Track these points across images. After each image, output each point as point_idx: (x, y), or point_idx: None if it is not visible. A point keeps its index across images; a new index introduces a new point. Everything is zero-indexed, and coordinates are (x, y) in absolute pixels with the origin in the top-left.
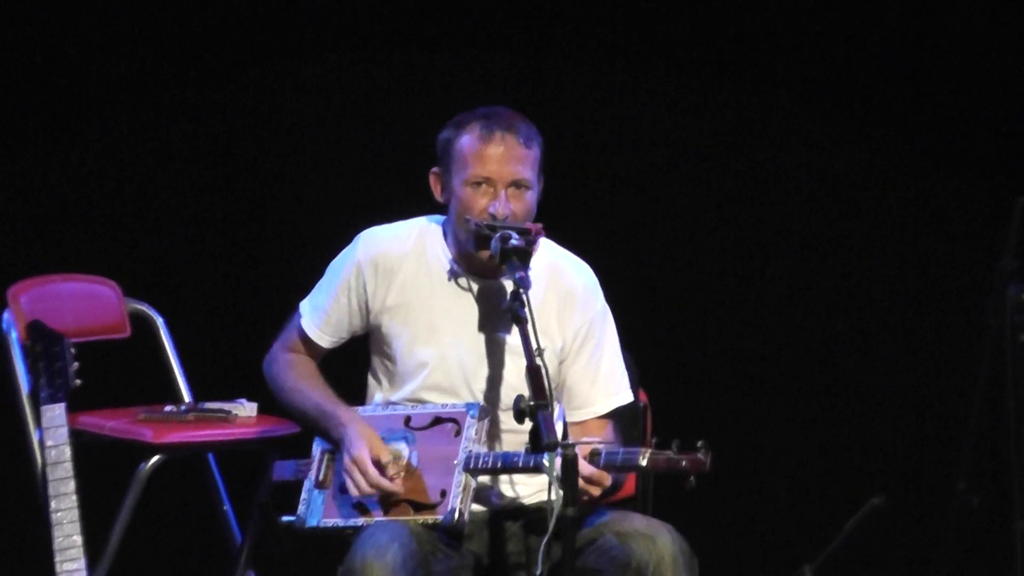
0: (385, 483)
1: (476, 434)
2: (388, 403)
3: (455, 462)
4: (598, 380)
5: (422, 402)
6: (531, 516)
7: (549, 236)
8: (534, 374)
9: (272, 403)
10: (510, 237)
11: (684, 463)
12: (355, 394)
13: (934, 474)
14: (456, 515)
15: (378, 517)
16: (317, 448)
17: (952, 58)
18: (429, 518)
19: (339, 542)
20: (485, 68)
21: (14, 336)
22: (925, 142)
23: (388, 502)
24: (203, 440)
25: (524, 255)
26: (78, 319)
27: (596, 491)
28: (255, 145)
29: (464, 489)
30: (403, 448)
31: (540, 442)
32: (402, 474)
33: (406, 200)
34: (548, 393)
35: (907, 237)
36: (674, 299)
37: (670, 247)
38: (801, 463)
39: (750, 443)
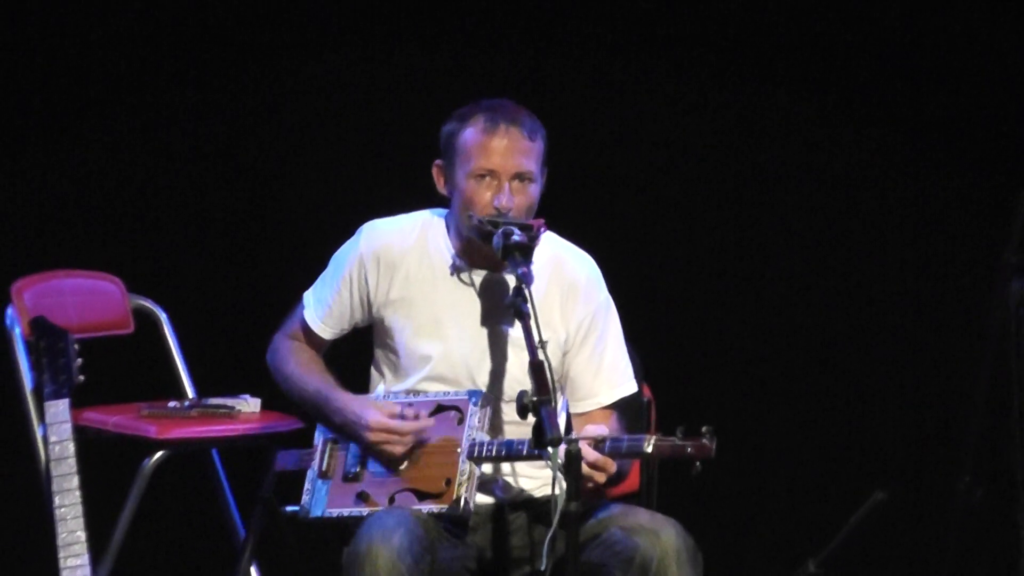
0: (415, 424)
1: (479, 422)
2: (389, 393)
3: (459, 450)
4: (602, 371)
5: (424, 392)
6: (536, 509)
7: (552, 229)
8: (537, 370)
9: (275, 398)
10: (512, 233)
11: (689, 449)
12: (358, 386)
13: (937, 469)
14: (462, 503)
15: (382, 506)
16: (319, 438)
17: (953, 53)
18: (434, 507)
19: (343, 532)
20: (487, 62)
21: (17, 332)
22: (929, 136)
23: (392, 491)
24: (206, 436)
25: (526, 251)
26: (81, 315)
27: (601, 477)
28: (257, 141)
29: (468, 477)
30: None
31: (543, 437)
32: (421, 414)
33: (408, 193)
34: (551, 388)
35: (910, 232)
36: (678, 294)
37: (674, 241)
38: (805, 458)
39: (754, 438)
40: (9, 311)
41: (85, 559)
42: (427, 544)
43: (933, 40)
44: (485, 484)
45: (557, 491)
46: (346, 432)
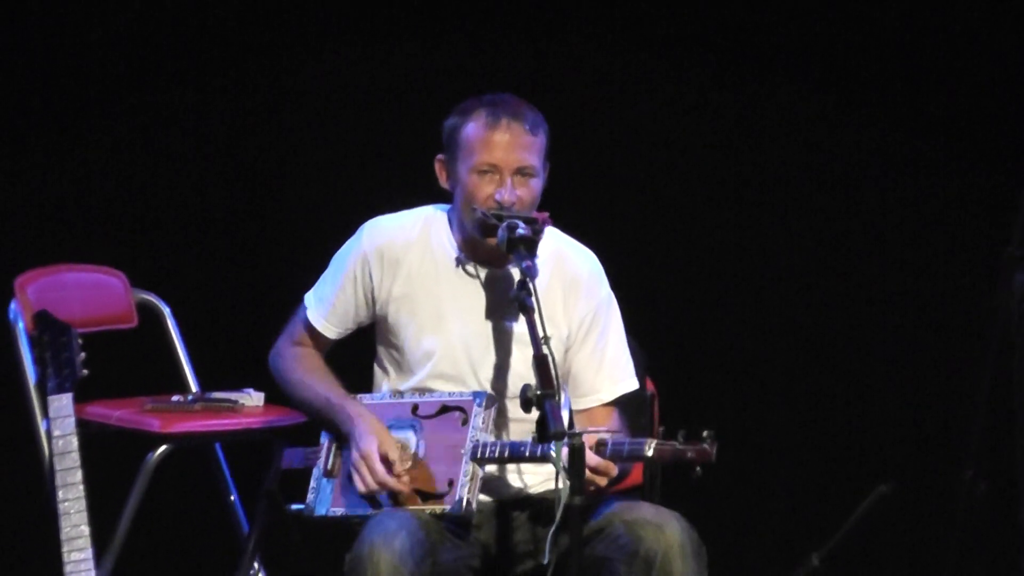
0: (391, 481)
1: (483, 423)
2: (395, 392)
3: (462, 451)
4: (603, 367)
5: (429, 391)
6: (539, 506)
7: (555, 224)
8: (541, 363)
9: (279, 392)
10: (516, 226)
11: (690, 454)
12: (361, 384)
13: (941, 462)
14: (464, 504)
15: (386, 506)
16: (326, 436)
17: (954, 47)
18: (437, 507)
19: (347, 531)
20: (489, 57)
21: (21, 326)
22: (934, 129)
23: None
24: (210, 430)
25: (531, 244)
26: (85, 309)
27: (602, 481)
28: (260, 136)
29: (472, 478)
30: (410, 437)
31: (547, 431)
32: (408, 464)
33: (411, 189)
34: (555, 382)
35: (913, 227)
36: (681, 288)
37: (676, 235)
38: (808, 452)
39: (758, 432)
40: (12, 305)
41: (89, 553)
42: (428, 547)
43: (934, 35)
44: (488, 481)
45: (560, 486)
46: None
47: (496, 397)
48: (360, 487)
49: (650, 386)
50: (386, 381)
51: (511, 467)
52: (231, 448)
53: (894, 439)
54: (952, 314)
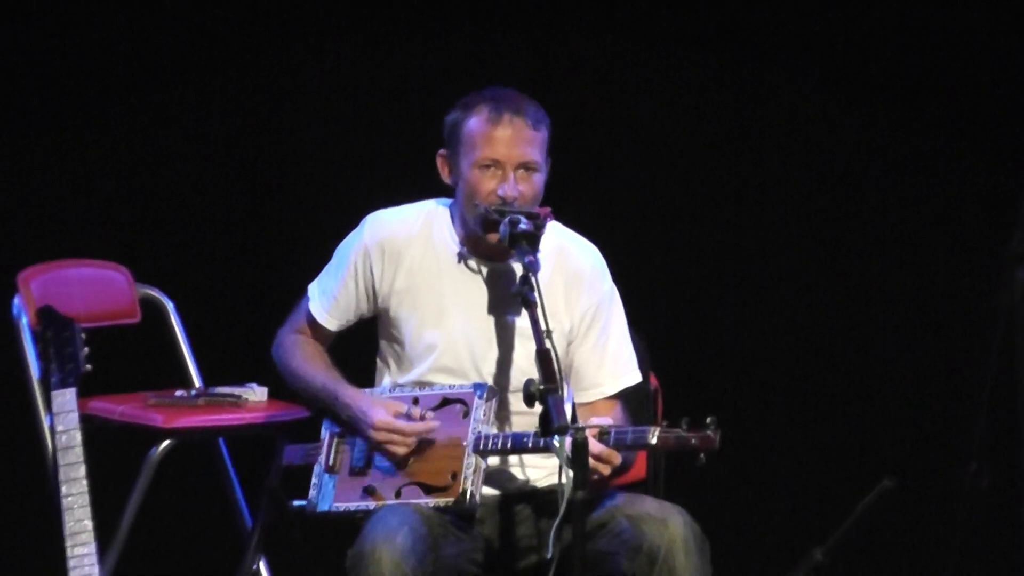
0: (421, 426)
1: (484, 415)
2: (396, 386)
3: (464, 443)
4: (605, 361)
5: (430, 385)
6: (542, 499)
7: (557, 219)
8: (544, 358)
9: (282, 387)
10: (519, 221)
11: (694, 441)
12: (363, 378)
13: (945, 456)
14: (467, 497)
15: (389, 501)
16: (326, 432)
17: (955, 42)
18: (440, 501)
19: (350, 526)
20: (491, 52)
21: (24, 321)
22: (938, 123)
23: (399, 485)
24: (213, 425)
25: (533, 239)
26: (88, 304)
27: (606, 469)
28: (263, 132)
29: (475, 471)
30: None
31: (550, 426)
32: (427, 415)
33: (413, 184)
34: (558, 377)
35: (917, 221)
36: (684, 282)
37: (680, 230)
38: (812, 446)
39: (761, 426)
40: (16, 300)
41: (92, 548)
42: (431, 542)
43: (936, 29)
44: (491, 475)
45: (564, 480)
46: (353, 427)
47: (497, 389)
48: (400, 451)
49: (653, 380)
50: (388, 375)
51: (514, 461)
52: (234, 443)
53: (897, 434)
54: (955, 309)
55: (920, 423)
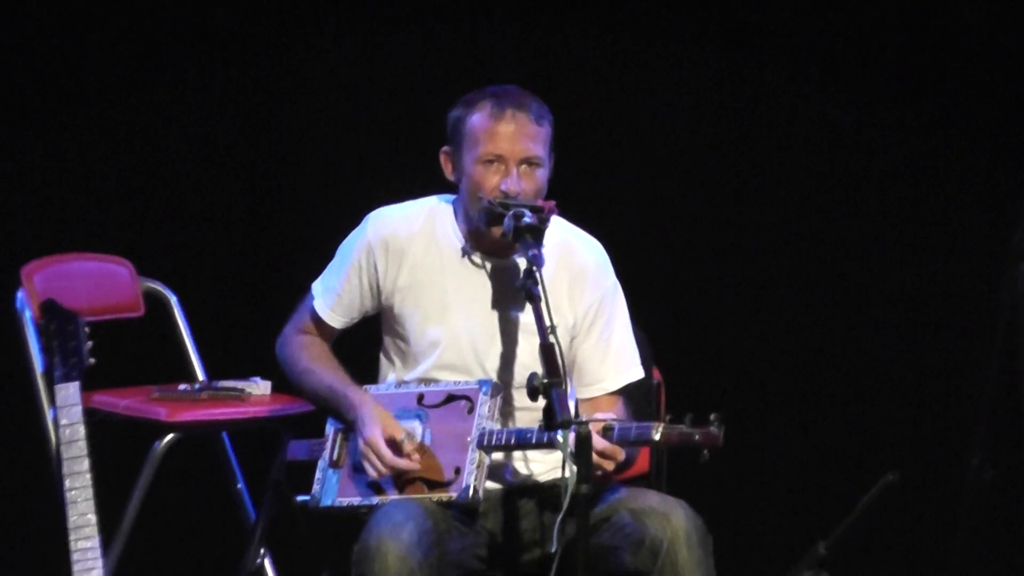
0: (400, 462)
1: (489, 411)
2: (401, 382)
3: (469, 439)
4: (608, 357)
5: (435, 381)
6: (545, 493)
7: (561, 214)
8: (548, 352)
9: (286, 381)
10: (523, 215)
11: (697, 437)
12: (367, 374)
13: (948, 450)
14: (471, 492)
15: (392, 496)
16: (330, 427)
17: (958, 37)
18: (444, 496)
19: (354, 521)
20: (494, 48)
21: (28, 315)
22: (943, 117)
23: (402, 480)
24: (217, 418)
25: (537, 233)
26: (92, 298)
27: (610, 465)
28: (267, 126)
29: (478, 466)
30: (416, 426)
31: (554, 420)
32: (415, 447)
33: (416, 180)
34: (562, 371)
35: (920, 215)
36: (687, 278)
37: (683, 225)
38: (815, 440)
39: (764, 420)
40: (19, 294)
41: (96, 542)
42: (435, 537)
43: (938, 23)
44: (494, 469)
45: (567, 474)
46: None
47: (502, 386)
48: (371, 473)
49: (656, 375)
50: (392, 371)
51: (518, 455)
52: (238, 437)
53: (900, 428)
54: (958, 304)
55: (923, 417)
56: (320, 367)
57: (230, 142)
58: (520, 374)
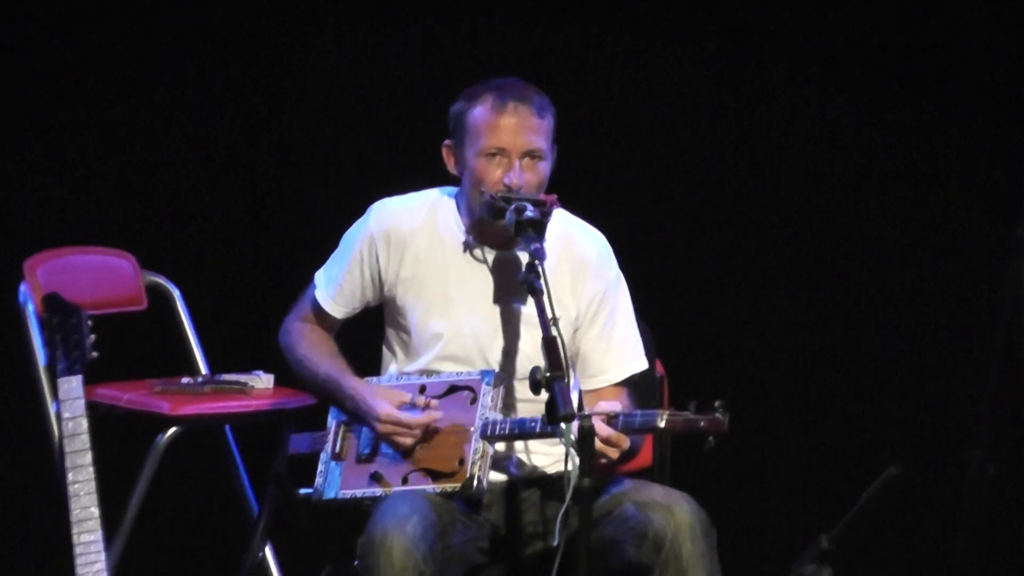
0: (424, 418)
1: (492, 401)
2: (402, 374)
3: (472, 429)
4: (612, 348)
5: (437, 372)
6: (549, 486)
7: (564, 206)
8: (550, 345)
9: (289, 374)
10: (525, 209)
11: (702, 424)
12: (370, 366)
13: (951, 443)
14: (475, 483)
15: (396, 487)
16: (332, 420)
17: (961, 28)
18: (448, 486)
19: (357, 513)
20: (496, 41)
21: (31, 308)
22: (948, 109)
23: (406, 471)
24: (220, 412)
25: (539, 226)
26: (94, 291)
27: (614, 453)
28: (270, 119)
29: (482, 456)
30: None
31: (556, 413)
32: (433, 406)
33: (419, 172)
34: (564, 364)
35: (924, 206)
36: (690, 269)
37: (686, 216)
38: (818, 433)
39: (767, 413)
40: (22, 287)
41: (98, 535)
42: (440, 530)
43: (939, 22)
44: (498, 461)
45: (570, 467)
46: (358, 417)
47: (504, 376)
48: (406, 442)
49: (659, 367)
50: (394, 363)
51: (520, 447)
52: (241, 430)
53: (903, 421)
54: (961, 295)
55: (926, 411)
56: (319, 355)
57: (233, 137)
58: (523, 366)
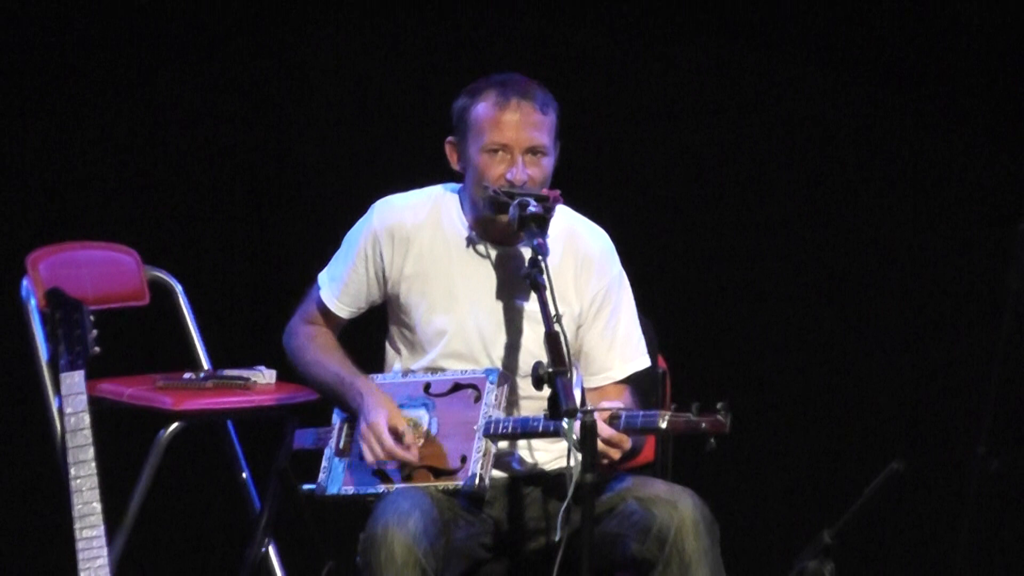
0: (399, 450)
1: (496, 400)
2: (407, 371)
3: (475, 427)
4: (615, 345)
5: (441, 370)
6: (551, 482)
7: (567, 202)
8: (553, 341)
9: (291, 370)
10: (528, 204)
11: (704, 425)
12: (374, 364)
13: (954, 439)
14: (477, 480)
15: (398, 484)
16: (337, 416)
17: (961, 30)
18: (450, 484)
19: (360, 509)
20: (499, 36)
21: (33, 304)
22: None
23: (408, 468)
24: (222, 407)
25: (542, 222)
26: (97, 286)
27: (616, 454)
28: (273, 115)
29: (484, 454)
30: (423, 415)
31: (559, 409)
32: (420, 441)
33: (423, 169)
34: (567, 360)
35: (927, 201)
36: (693, 266)
37: (688, 213)
38: (820, 428)
39: (769, 408)
40: (25, 282)
41: (101, 530)
42: (442, 526)
43: (939, 22)
44: (500, 458)
45: (572, 463)
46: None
47: (509, 374)
48: (368, 457)
49: (662, 364)
50: (398, 360)
51: (523, 443)
52: (243, 425)
53: (906, 416)
54: (964, 291)
55: (929, 406)
56: (327, 358)
57: (236, 132)
58: (526, 362)
